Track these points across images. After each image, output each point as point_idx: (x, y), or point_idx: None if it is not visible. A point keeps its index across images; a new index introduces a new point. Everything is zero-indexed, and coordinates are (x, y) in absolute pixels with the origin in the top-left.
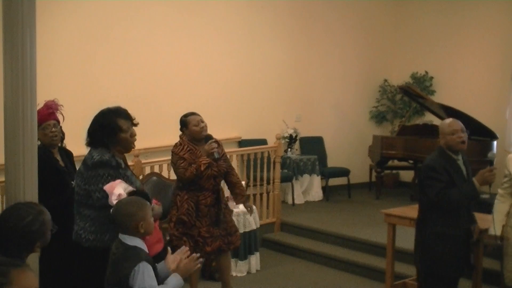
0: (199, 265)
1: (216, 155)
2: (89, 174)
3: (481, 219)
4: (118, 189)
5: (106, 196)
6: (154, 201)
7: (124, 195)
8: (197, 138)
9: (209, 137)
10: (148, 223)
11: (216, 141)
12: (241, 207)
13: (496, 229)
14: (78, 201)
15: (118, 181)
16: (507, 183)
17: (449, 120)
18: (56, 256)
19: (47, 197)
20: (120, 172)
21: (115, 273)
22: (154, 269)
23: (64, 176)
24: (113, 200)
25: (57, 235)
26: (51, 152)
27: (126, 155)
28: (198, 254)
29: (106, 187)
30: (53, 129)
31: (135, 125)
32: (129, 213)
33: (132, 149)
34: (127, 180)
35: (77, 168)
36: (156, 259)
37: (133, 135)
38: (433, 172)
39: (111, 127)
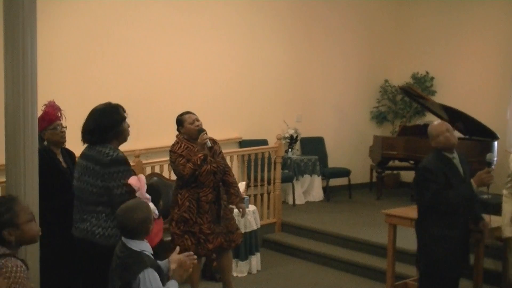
0: (195, 261)
1: (208, 144)
2: (108, 171)
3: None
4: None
5: (129, 191)
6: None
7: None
8: (193, 136)
9: (201, 130)
10: (153, 224)
11: (207, 133)
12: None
13: (506, 231)
14: (88, 199)
15: (140, 175)
16: (510, 182)
17: (434, 123)
18: (58, 255)
19: (50, 198)
20: (130, 166)
21: (120, 278)
22: (159, 270)
23: (66, 177)
24: (145, 193)
25: (60, 235)
26: (54, 153)
27: (126, 155)
28: (192, 259)
29: (132, 182)
30: (62, 129)
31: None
32: (142, 220)
33: (134, 150)
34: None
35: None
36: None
37: (128, 125)
38: (429, 174)
39: (116, 119)
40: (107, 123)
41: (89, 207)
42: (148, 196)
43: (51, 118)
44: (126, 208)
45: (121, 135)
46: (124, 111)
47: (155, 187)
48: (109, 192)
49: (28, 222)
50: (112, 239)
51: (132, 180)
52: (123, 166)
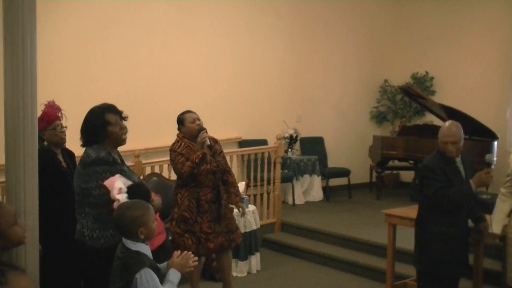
0: (195, 263)
1: (207, 143)
2: (87, 172)
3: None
4: (118, 183)
5: (106, 192)
6: (152, 194)
7: (124, 188)
8: (193, 135)
9: (201, 129)
10: (149, 228)
11: (207, 132)
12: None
13: (496, 228)
14: (79, 201)
15: (116, 175)
16: (509, 182)
17: (446, 126)
18: (58, 256)
19: (50, 198)
20: (117, 167)
21: (119, 279)
22: (158, 271)
23: (66, 177)
24: (115, 195)
25: (60, 235)
26: (54, 153)
27: (126, 155)
28: (194, 257)
29: (106, 183)
30: (62, 129)
31: (125, 118)
32: (131, 218)
33: (133, 150)
34: (125, 175)
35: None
36: (160, 249)
37: (122, 128)
38: (431, 172)
39: (99, 123)
40: (89, 125)
41: (79, 209)
42: (118, 197)
43: (50, 118)
44: (121, 206)
45: (108, 138)
46: (117, 113)
47: (141, 186)
48: (89, 194)
49: (11, 226)
50: (100, 241)
51: (106, 181)
52: (101, 166)
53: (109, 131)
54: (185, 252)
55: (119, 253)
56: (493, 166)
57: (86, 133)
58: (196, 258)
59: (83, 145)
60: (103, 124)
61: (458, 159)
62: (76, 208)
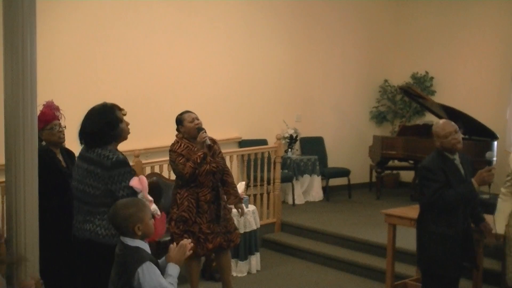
0: (190, 252)
1: (207, 142)
2: (110, 174)
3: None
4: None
5: (131, 193)
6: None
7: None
8: (192, 135)
9: (200, 129)
10: (146, 225)
11: (206, 132)
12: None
13: (499, 228)
14: (91, 201)
15: (141, 176)
16: (509, 181)
17: (442, 122)
18: (58, 255)
19: (50, 198)
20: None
21: (120, 276)
22: (158, 266)
23: (66, 177)
24: (147, 195)
25: (59, 234)
26: (53, 152)
27: (126, 155)
28: (189, 240)
29: (135, 184)
30: (60, 129)
31: (125, 114)
32: (126, 216)
33: (133, 150)
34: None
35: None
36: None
37: (127, 123)
38: (429, 173)
39: (114, 121)
40: (105, 126)
41: (92, 209)
42: (150, 198)
43: (47, 118)
44: (115, 205)
45: (120, 136)
46: (121, 110)
47: (155, 185)
48: (112, 195)
49: None
50: (115, 237)
51: (134, 182)
52: (124, 168)
53: (121, 128)
54: (180, 243)
55: (118, 251)
56: (494, 164)
57: (100, 132)
58: (192, 244)
59: (88, 145)
60: (117, 121)
61: (457, 158)
62: (86, 208)
